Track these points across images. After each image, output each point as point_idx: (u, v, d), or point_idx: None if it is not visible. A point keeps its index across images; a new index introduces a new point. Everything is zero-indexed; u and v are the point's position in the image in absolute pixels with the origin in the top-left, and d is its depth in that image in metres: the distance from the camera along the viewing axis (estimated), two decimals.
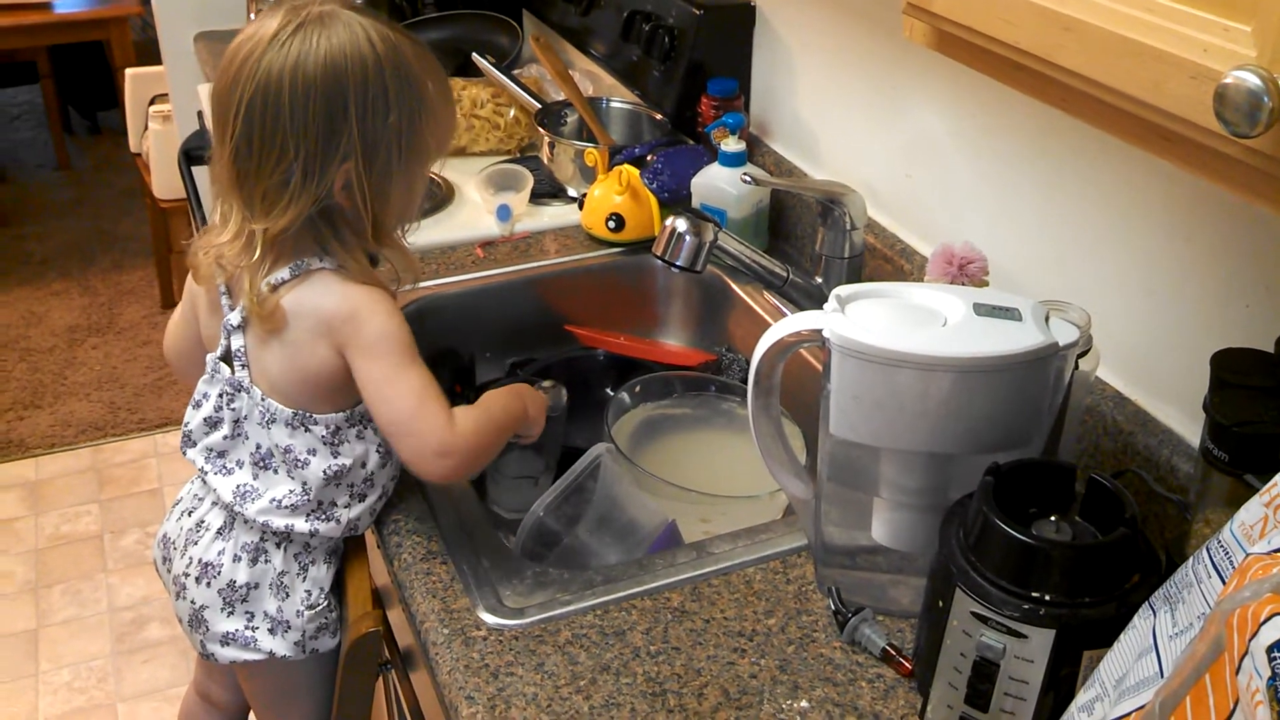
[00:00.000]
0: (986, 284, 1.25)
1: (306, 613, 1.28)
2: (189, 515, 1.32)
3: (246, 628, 1.28)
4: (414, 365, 1.17)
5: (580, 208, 1.77)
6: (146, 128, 3.37)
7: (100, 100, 4.98)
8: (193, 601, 1.29)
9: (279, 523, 1.23)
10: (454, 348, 1.62)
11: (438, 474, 1.20)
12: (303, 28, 1.10)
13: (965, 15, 0.81)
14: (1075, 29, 0.72)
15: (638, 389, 1.48)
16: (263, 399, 1.20)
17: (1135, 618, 0.79)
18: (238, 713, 1.58)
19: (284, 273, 1.16)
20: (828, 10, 1.60)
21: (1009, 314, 0.97)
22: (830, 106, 1.64)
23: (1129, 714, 0.71)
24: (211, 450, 1.25)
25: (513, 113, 2.05)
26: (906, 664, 1.01)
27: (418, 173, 1.20)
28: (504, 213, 1.76)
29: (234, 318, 1.20)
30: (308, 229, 1.15)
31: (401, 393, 1.16)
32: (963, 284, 1.23)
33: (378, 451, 1.23)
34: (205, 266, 1.19)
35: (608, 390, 1.58)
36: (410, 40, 1.17)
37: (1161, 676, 0.70)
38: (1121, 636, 0.79)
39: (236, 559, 1.26)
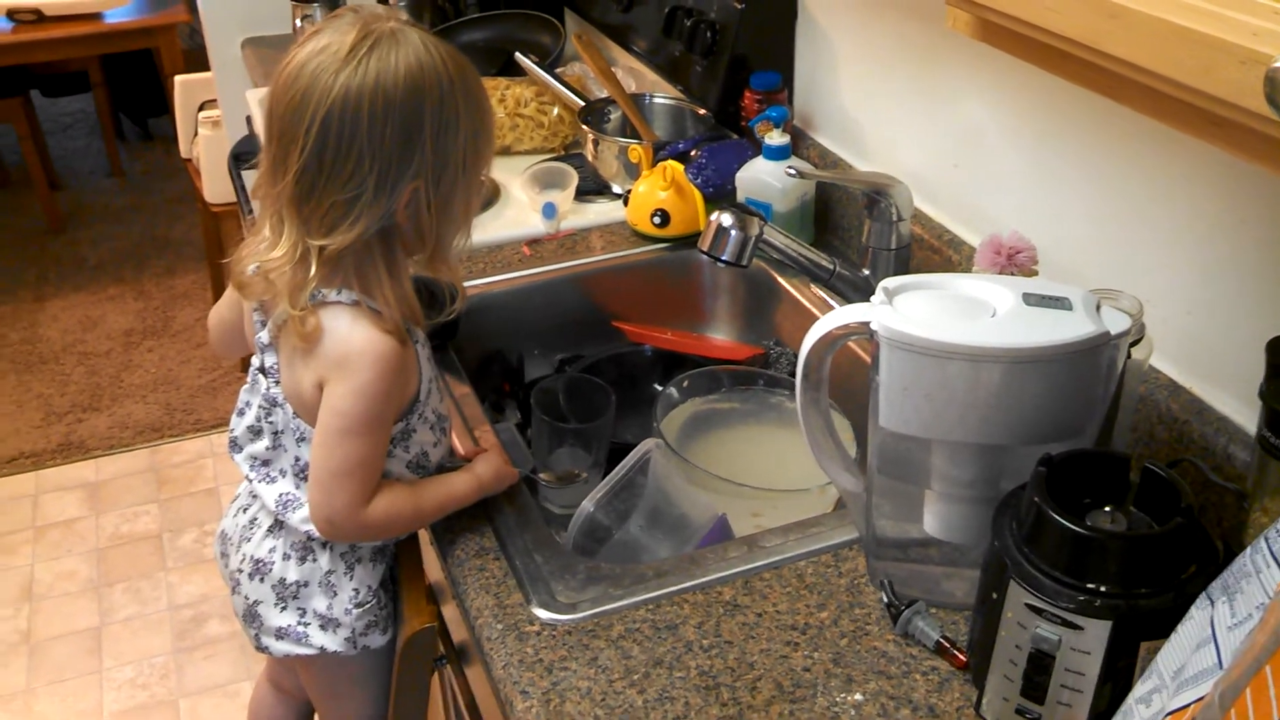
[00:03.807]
0: (1036, 273, 1.24)
1: (355, 610, 1.30)
2: (244, 512, 1.34)
3: (299, 623, 1.30)
4: (364, 437, 1.15)
5: (625, 204, 1.77)
6: (196, 133, 3.41)
7: (151, 107, 5.05)
8: (246, 597, 1.32)
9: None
10: (502, 347, 1.63)
11: (320, 532, 1.21)
12: (377, 46, 1.08)
13: (1009, 4, 0.81)
14: (1122, 16, 0.71)
15: (686, 384, 1.49)
16: (294, 417, 1.22)
17: (1193, 608, 0.79)
18: (307, 701, 1.61)
19: (321, 294, 1.15)
20: (870, 1, 1.59)
21: (1059, 303, 0.97)
22: (875, 98, 1.63)
23: (1188, 705, 0.70)
24: (255, 459, 1.27)
25: (556, 111, 2.06)
26: (961, 656, 1.01)
27: (475, 188, 1.19)
28: (549, 210, 1.77)
29: (264, 336, 1.21)
30: (360, 250, 1.14)
31: (332, 457, 1.16)
32: (1012, 274, 1.22)
33: (407, 469, 1.24)
34: (254, 283, 1.18)
35: (655, 385, 1.59)
36: (464, 57, 1.17)
37: (1221, 667, 0.70)
38: (1179, 627, 0.79)
39: (286, 557, 1.29)
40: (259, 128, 2.22)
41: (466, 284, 1.61)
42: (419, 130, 1.10)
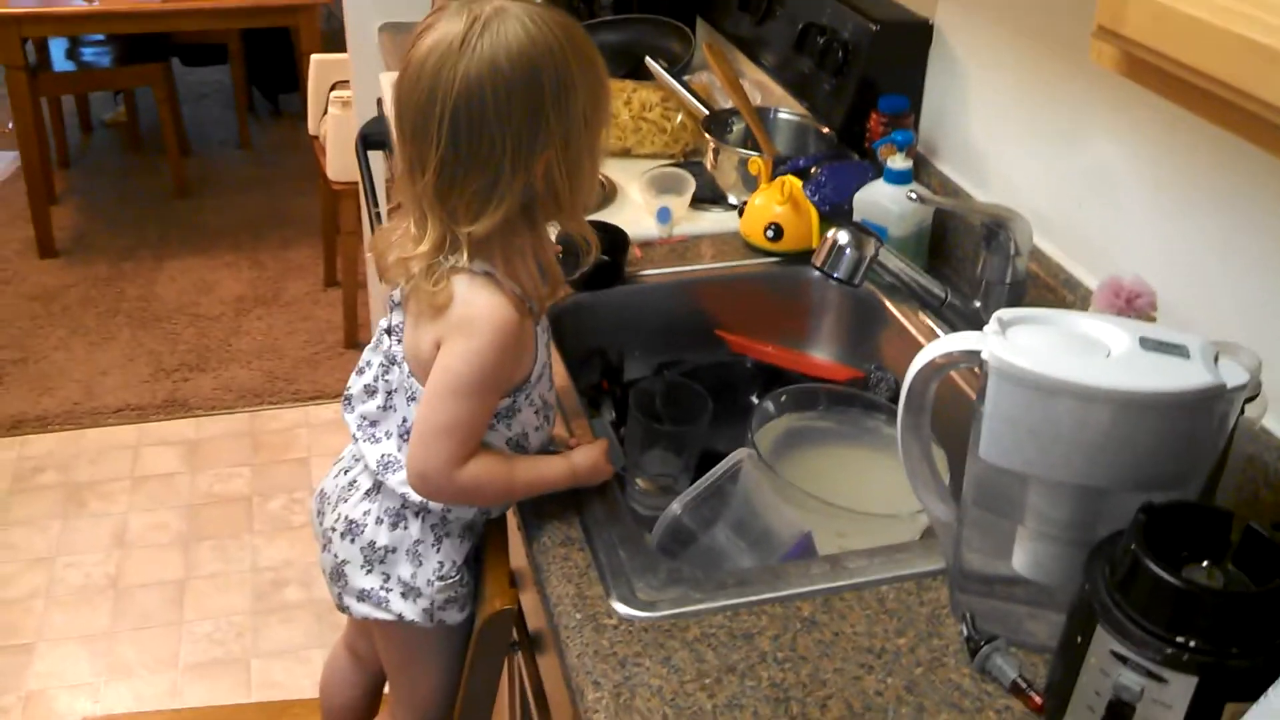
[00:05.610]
0: (1154, 320, 1.22)
1: (437, 583, 1.32)
2: (345, 474, 1.38)
3: (382, 587, 1.33)
4: (469, 398, 1.18)
5: (740, 215, 1.78)
6: (326, 112, 3.49)
7: (282, 83, 5.20)
8: (336, 555, 1.35)
9: (415, 496, 1.26)
10: (604, 344, 1.65)
11: (412, 486, 1.24)
12: (487, 27, 1.10)
13: (1160, 41, 0.79)
14: None
15: (783, 398, 1.48)
16: (409, 376, 1.24)
17: None
18: (380, 671, 1.64)
19: (451, 261, 1.17)
20: (1008, 31, 1.57)
21: (1176, 350, 0.95)
22: (1002, 129, 1.62)
23: None
24: (365, 418, 1.30)
25: (680, 117, 2.07)
26: (1037, 698, 0.99)
27: (599, 146, 1.21)
28: (664, 215, 1.78)
29: (396, 294, 1.25)
30: (504, 227, 1.16)
31: (437, 413, 1.18)
32: (1129, 318, 1.20)
33: (508, 445, 1.25)
34: (395, 270, 1.21)
35: (752, 398, 1.59)
36: (569, 16, 1.18)
37: None
38: (1270, 691, 0.77)
39: (379, 521, 1.31)
40: (389, 110, 2.27)
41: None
42: (540, 100, 1.11)
